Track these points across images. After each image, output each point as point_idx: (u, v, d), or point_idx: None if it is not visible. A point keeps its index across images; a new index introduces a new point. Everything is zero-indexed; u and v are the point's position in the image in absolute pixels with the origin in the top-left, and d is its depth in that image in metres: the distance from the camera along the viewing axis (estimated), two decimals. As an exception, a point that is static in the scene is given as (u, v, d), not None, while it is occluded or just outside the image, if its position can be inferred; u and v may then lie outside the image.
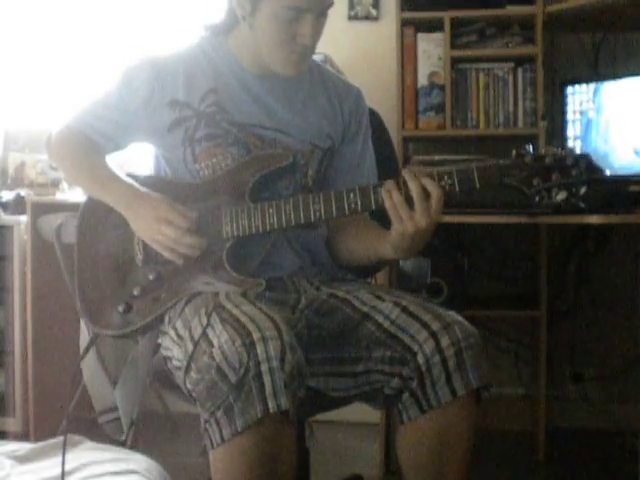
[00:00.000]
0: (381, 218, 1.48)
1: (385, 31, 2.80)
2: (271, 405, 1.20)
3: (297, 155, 1.57)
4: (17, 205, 2.62)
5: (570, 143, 2.51)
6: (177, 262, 1.50)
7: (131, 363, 1.61)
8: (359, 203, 1.41)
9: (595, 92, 2.48)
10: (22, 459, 1.57)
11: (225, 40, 1.61)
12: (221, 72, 1.59)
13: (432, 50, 2.62)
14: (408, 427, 1.40)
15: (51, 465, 1.50)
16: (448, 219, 2.18)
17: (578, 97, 2.51)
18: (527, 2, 2.55)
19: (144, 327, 1.53)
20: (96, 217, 1.62)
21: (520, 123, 2.61)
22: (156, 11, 2.95)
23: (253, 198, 1.50)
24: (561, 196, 1.33)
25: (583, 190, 1.32)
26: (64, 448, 1.45)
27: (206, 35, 1.64)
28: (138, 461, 1.53)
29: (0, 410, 2.59)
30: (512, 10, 2.57)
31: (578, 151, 1.36)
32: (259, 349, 1.22)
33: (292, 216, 1.44)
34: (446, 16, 2.57)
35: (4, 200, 2.67)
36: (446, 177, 1.36)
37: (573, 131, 2.52)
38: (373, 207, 1.40)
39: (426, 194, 1.34)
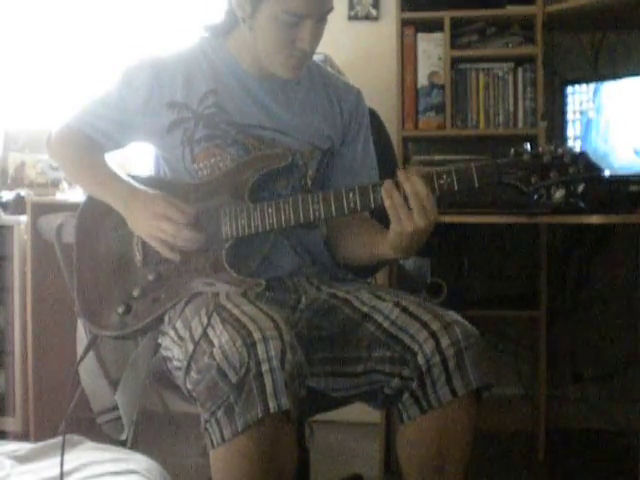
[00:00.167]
0: (381, 218, 1.48)
1: (385, 31, 2.80)
2: (272, 405, 1.20)
3: (296, 155, 1.57)
4: (17, 205, 2.62)
5: (570, 143, 2.51)
6: (174, 260, 1.49)
7: (132, 364, 1.61)
8: (358, 202, 1.41)
9: (595, 92, 2.48)
10: (22, 459, 1.57)
11: (225, 41, 1.61)
12: (221, 73, 1.59)
13: (432, 50, 2.62)
14: (408, 427, 1.40)
15: (51, 465, 1.50)
16: (448, 219, 2.18)
17: (578, 97, 2.51)
18: (527, 2, 2.55)
19: (144, 328, 1.53)
20: (95, 217, 1.62)
21: (520, 123, 2.61)
22: (156, 11, 2.95)
23: (252, 198, 1.50)
24: (559, 194, 1.33)
25: (581, 188, 1.32)
26: (62, 448, 1.44)
27: (206, 36, 1.64)
28: (138, 461, 1.53)
29: (0, 410, 2.59)
30: (512, 10, 2.57)
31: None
32: (260, 349, 1.22)
33: (291, 216, 1.44)
34: (446, 16, 2.57)
35: (4, 200, 2.67)
36: (445, 176, 1.36)
37: (573, 131, 2.52)
38: (372, 206, 1.40)
39: (421, 194, 1.35)
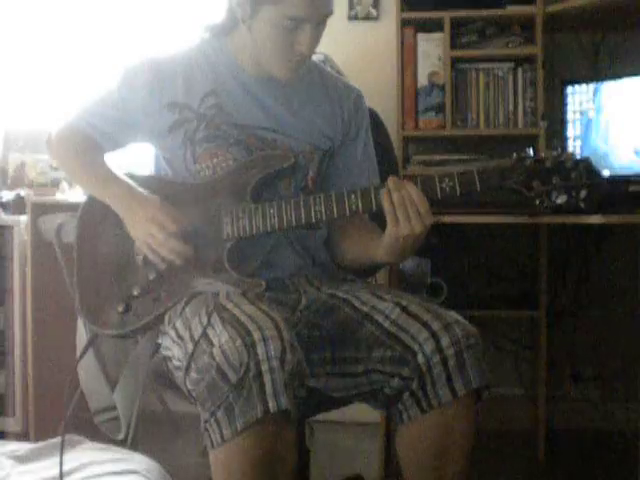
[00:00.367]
0: (380, 222, 1.48)
1: (385, 31, 2.80)
2: (271, 405, 1.20)
3: (298, 156, 1.57)
4: (17, 205, 2.62)
5: (570, 143, 2.50)
6: (160, 266, 1.50)
7: (131, 363, 1.61)
8: (360, 204, 1.41)
9: (595, 92, 2.48)
10: (22, 459, 1.56)
11: (225, 42, 1.61)
12: (221, 74, 1.59)
13: (432, 50, 2.62)
14: (408, 427, 1.40)
15: (51, 465, 1.50)
16: (448, 219, 2.18)
17: (578, 97, 2.51)
18: (527, 2, 2.55)
19: (144, 327, 1.53)
20: (96, 217, 1.62)
21: (520, 123, 2.61)
22: (156, 11, 2.95)
23: (254, 199, 1.50)
24: (561, 199, 1.33)
25: (583, 194, 1.32)
26: (62, 448, 1.45)
27: (206, 37, 1.64)
28: (138, 461, 1.53)
29: (0, 410, 2.59)
30: (512, 10, 2.57)
31: (578, 152, 1.36)
32: (259, 349, 1.22)
33: (293, 217, 1.44)
34: (446, 16, 2.57)
35: (4, 200, 2.67)
36: (447, 179, 1.37)
37: (573, 131, 2.52)
38: (374, 209, 1.41)
39: (416, 199, 1.35)
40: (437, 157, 2.63)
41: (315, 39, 1.49)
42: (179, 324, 1.44)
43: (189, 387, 1.31)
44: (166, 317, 1.50)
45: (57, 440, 1.58)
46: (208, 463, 1.27)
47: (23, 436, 2.51)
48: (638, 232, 2.27)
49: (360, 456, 2.61)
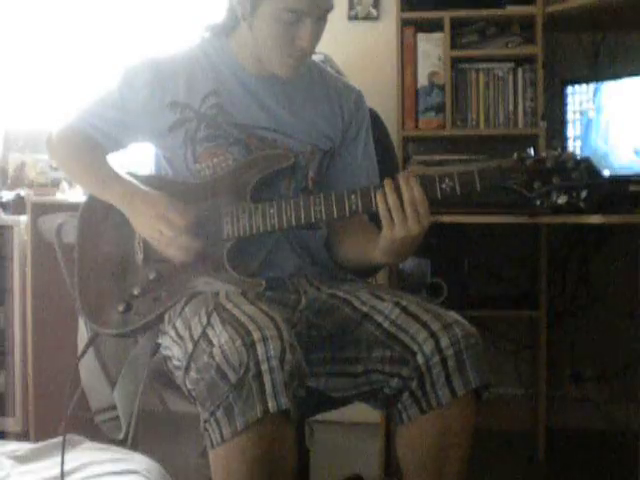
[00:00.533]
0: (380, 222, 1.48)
1: (385, 31, 2.80)
2: (271, 405, 1.20)
3: (298, 156, 1.57)
4: (17, 205, 2.63)
5: (570, 143, 2.50)
6: (174, 261, 1.50)
7: (130, 362, 1.61)
8: (360, 204, 1.41)
9: (595, 92, 2.48)
10: (22, 459, 1.56)
11: (226, 42, 1.61)
12: (222, 73, 1.59)
13: (432, 50, 2.62)
14: (408, 427, 1.40)
15: (51, 465, 1.50)
16: (448, 219, 2.18)
17: (578, 97, 2.51)
18: (527, 2, 2.55)
19: (144, 326, 1.53)
20: (96, 217, 1.62)
21: (520, 123, 2.61)
22: (156, 11, 2.95)
23: (254, 199, 1.50)
24: (562, 200, 1.33)
25: (584, 194, 1.32)
26: (63, 448, 1.44)
27: (207, 36, 1.64)
28: (138, 461, 1.53)
29: (0, 410, 2.59)
30: (512, 10, 2.57)
31: (578, 152, 1.36)
32: (259, 349, 1.22)
33: (293, 217, 1.44)
34: (446, 16, 2.57)
35: (4, 200, 2.67)
36: (447, 179, 1.36)
37: (573, 131, 2.51)
38: (374, 209, 1.40)
39: (417, 199, 1.35)
40: (437, 157, 2.63)
41: (316, 35, 1.49)
42: (179, 324, 1.44)
43: (189, 387, 1.31)
44: (166, 317, 1.50)
45: (57, 440, 1.58)
46: (208, 463, 1.27)
47: (23, 436, 2.52)
48: (638, 232, 2.26)
49: (360, 456, 2.60)
